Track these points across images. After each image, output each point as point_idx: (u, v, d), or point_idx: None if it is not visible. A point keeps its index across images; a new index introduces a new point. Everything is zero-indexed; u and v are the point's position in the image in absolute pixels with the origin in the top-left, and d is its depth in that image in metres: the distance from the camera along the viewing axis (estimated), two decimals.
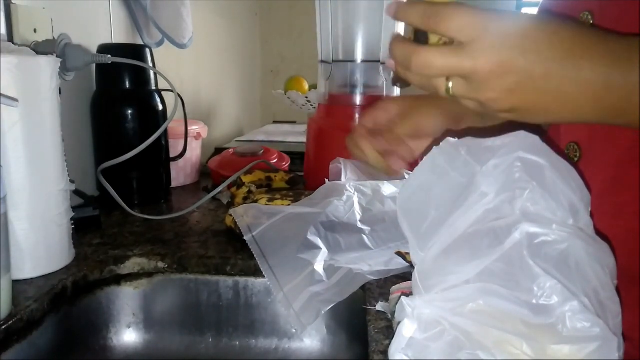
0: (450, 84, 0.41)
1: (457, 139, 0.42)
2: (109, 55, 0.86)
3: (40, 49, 0.79)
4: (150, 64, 0.96)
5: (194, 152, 1.15)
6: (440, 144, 0.43)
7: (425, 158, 0.44)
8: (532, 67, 0.38)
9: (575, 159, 0.53)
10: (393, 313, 0.52)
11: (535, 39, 0.38)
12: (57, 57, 0.63)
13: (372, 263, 0.66)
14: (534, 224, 0.35)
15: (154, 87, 0.98)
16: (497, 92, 0.39)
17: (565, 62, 0.38)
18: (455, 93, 0.41)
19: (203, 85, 1.66)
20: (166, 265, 0.71)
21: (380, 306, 0.55)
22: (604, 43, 0.39)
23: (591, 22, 0.50)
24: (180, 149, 1.06)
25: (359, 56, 0.96)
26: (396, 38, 0.43)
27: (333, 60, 0.98)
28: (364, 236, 0.70)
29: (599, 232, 0.40)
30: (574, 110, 0.40)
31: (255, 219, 0.70)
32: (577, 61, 0.38)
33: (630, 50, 0.38)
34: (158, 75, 0.97)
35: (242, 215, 0.71)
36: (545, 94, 0.39)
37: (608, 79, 0.38)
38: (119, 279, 0.71)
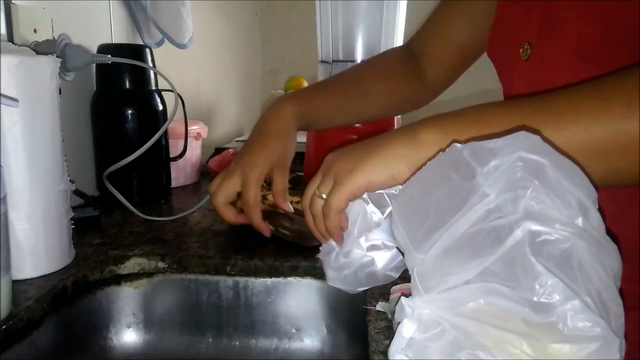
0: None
1: (462, 144, 0.42)
2: (109, 55, 0.86)
3: (40, 49, 0.79)
4: (150, 64, 0.96)
5: (194, 152, 1.15)
6: (447, 149, 0.43)
7: (429, 163, 0.43)
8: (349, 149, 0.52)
9: None
10: (393, 313, 0.52)
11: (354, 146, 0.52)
12: (57, 57, 0.63)
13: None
14: (537, 222, 0.35)
15: (154, 87, 0.98)
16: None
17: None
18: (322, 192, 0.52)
19: (203, 85, 1.65)
20: (166, 265, 0.71)
21: (380, 306, 0.55)
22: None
23: (529, 52, 0.57)
24: (180, 149, 1.06)
25: (359, 56, 0.96)
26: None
27: (333, 60, 0.98)
28: None
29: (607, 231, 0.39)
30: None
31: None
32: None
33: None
34: (158, 75, 0.97)
35: None
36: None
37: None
38: (119, 279, 0.70)
